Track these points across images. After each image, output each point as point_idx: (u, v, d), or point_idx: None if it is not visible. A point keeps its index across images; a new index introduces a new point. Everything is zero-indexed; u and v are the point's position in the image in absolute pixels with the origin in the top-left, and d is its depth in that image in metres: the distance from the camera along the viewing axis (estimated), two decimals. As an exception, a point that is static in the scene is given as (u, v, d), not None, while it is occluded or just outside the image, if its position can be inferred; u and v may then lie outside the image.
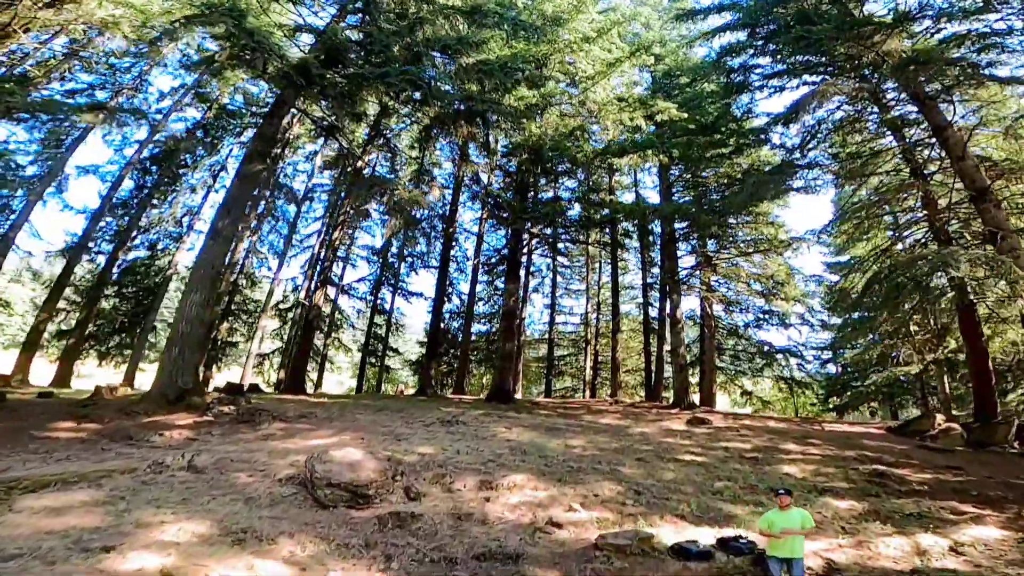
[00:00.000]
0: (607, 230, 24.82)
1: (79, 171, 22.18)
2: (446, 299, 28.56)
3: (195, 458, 6.17)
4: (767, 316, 23.25)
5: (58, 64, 17.81)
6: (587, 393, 27.79)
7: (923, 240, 15.77)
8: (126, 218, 24.14)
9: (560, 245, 30.64)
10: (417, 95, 10.48)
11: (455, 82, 10.89)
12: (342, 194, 21.89)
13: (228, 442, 7.37)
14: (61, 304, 23.27)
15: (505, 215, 20.66)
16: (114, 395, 10.72)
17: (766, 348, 23.48)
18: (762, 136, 17.36)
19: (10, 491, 4.93)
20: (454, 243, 27.57)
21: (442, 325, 25.03)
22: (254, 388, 18.30)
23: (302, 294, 25.47)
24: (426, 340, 22.26)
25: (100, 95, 19.99)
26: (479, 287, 28.91)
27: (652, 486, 6.60)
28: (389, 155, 26.19)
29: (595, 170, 18.67)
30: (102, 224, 24.02)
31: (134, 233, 24.94)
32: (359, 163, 15.64)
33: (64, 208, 22.47)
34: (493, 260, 28.23)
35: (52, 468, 5.69)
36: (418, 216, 13.45)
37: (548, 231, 16.87)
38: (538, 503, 5.61)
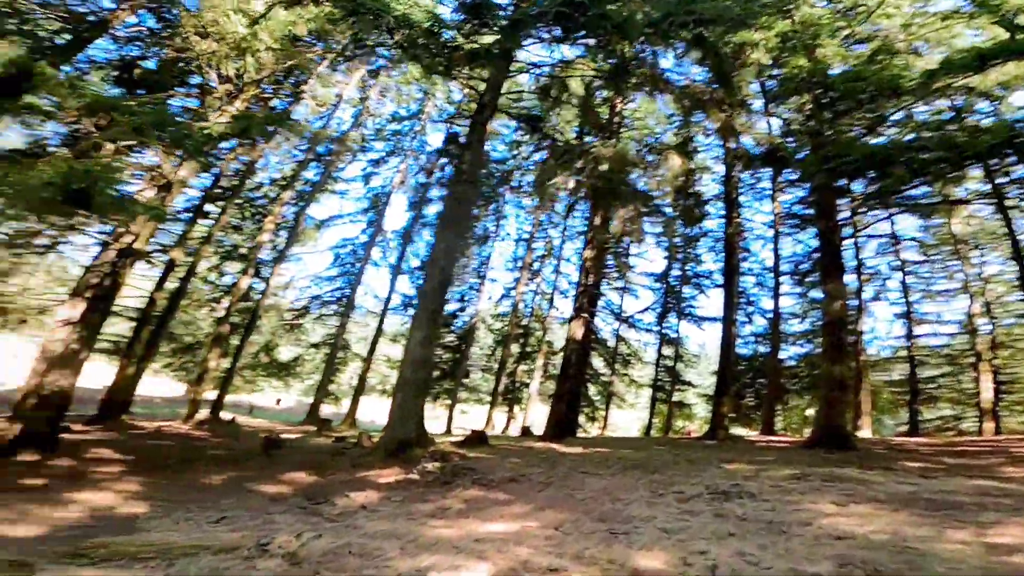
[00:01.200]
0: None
1: (395, 235, 26.68)
2: (747, 319, 23.90)
3: (312, 542, 4.49)
4: None
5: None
6: (988, 426, 18.44)
7: None
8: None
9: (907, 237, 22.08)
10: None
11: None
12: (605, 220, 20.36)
13: (390, 516, 5.62)
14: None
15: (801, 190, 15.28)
16: (371, 442, 10.76)
17: None
18: None
19: (67, 557, 4.13)
20: (742, 252, 22.81)
21: (736, 351, 20.25)
22: (526, 432, 17.46)
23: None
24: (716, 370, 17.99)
25: (393, 161, 24.04)
26: (789, 300, 23.36)
27: None
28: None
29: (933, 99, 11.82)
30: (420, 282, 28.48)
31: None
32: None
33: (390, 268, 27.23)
34: (803, 267, 22.63)
35: (178, 536, 4.80)
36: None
37: (875, 188, 10.85)
38: None
